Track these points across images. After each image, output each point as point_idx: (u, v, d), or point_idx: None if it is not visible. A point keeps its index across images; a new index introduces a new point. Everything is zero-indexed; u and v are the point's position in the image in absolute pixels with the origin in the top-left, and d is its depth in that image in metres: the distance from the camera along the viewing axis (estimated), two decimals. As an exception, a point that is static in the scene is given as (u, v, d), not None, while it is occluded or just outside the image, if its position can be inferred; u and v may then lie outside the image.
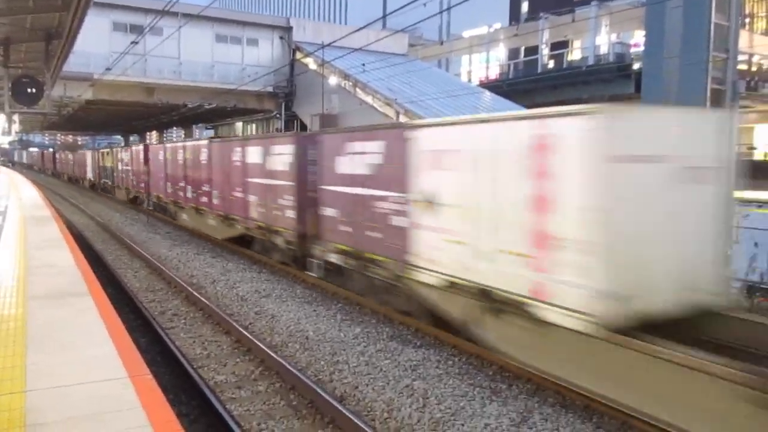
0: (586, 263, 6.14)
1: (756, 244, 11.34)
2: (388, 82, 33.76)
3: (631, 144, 6.19)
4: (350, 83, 35.77)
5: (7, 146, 79.96)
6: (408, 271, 9.10)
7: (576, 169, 6.27)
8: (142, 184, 26.28)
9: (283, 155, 13.44)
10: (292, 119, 41.23)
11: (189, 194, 19.96)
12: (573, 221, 6.30)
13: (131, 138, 76.87)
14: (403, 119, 29.97)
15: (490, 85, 40.96)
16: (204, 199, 18.48)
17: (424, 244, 8.73)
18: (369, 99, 34.19)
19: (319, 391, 6.94)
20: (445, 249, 8.24)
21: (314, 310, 10.94)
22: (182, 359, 8.08)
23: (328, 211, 11.57)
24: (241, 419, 6.54)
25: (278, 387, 7.52)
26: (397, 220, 9.43)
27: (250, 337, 8.98)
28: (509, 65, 46.82)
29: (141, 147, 27.46)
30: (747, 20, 36.39)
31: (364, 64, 31.51)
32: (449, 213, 8.20)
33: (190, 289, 12.13)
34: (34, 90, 14.14)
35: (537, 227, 6.73)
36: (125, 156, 29.74)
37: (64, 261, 9.76)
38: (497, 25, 50.97)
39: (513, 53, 48.17)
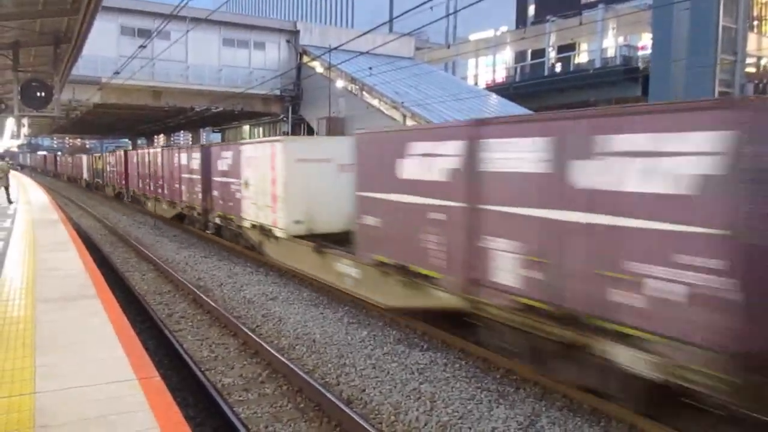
0: (284, 207, 13.42)
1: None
2: (395, 85, 33.80)
3: (301, 153, 13.54)
4: (357, 86, 35.83)
5: (16, 150, 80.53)
6: (241, 221, 16.14)
7: (281, 165, 13.52)
8: (123, 182, 32.51)
9: (195, 159, 19.79)
10: (299, 122, 41.34)
11: (151, 187, 26.36)
12: (281, 188, 13.53)
13: (139, 141, 77.18)
14: (410, 122, 30.00)
15: (496, 89, 40.94)
16: (159, 190, 24.87)
17: (245, 206, 15.72)
18: (375, 102, 34.25)
19: (327, 393, 6.93)
20: (251, 208, 15.34)
21: (321, 313, 10.94)
22: (190, 362, 8.10)
23: (215, 193, 18.21)
24: (249, 422, 6.54)
25: (285, 390, 7.52)
26: (238, 195, 16.20)
27: (257, 339, 8.99)
28: (516, 68, 46.79)
29: (122, 152, 33.65)
30: (755, 23, 36.21)
31: (371, 68, 31.58)
32: (251, 189, 15.23)
33: (197, 291, 12.17)
34: (43, 94, 14.21)
35: (272, 192, 13.93)
36: (112, 160, 36.50)
37: (73, 263, 9.81)
38: (504, 29, 50.95)
39: (520, 56, 48.14)
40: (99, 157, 42.69)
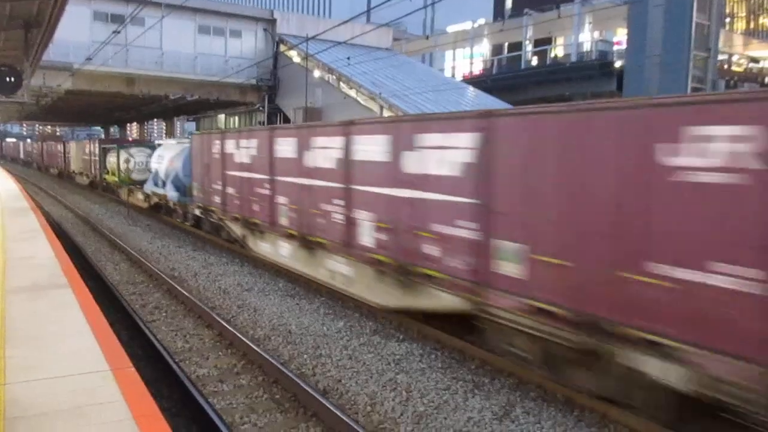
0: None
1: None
2: (372, 76, 33.70)
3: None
4: (334, 77, 35.65)
5: None
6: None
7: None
8: (62, 164, 43.59)
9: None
10: (276, 112, 41.02)
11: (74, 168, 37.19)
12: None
13: (111, 129, 75.93)
14: (387, 113, 29.95)
15: (474, 81, 41.04)
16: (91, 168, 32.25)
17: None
18: (353, 93, 34.12)
19: (302, 384, 6.92)
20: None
21: (297, 304, 10.91)
22: (164, 353, 8.02)
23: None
24: (224, 413, 6.50)
25: (261, 380, 7.49)
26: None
27: (232, 330, 8.93)
28: (493, 61, 46.95)
29: (62, 143, 45.46)
30: (727, 20, 36.79)
31: (349, 58, 31.42)
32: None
33: (171, 282, 12.04)
34: (12, 79, 13.91)
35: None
36: (59, 147, 46.70)
37: (44, 253, 9.64)
38: (481, 21, 51.05)
39: (497, 49, 48.30)
40: (52, 145, 47.72)
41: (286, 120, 39.00)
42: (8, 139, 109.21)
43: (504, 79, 40.68)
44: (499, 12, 55.54)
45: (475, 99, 34.86)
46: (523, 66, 41.95)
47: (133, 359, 5.76)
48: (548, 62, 40.99)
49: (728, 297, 4.98)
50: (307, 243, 11.43)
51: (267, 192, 13.07)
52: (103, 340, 5.34)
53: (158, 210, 21.82)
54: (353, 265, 10.17)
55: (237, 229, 14.96)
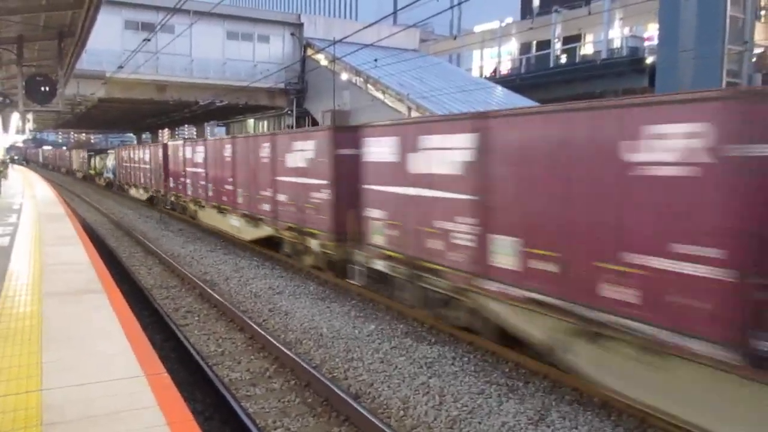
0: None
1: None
2: (399, 77, 33.61)
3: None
4: (361, 79, 35.66)
5: (21, 144, 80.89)
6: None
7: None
8: (68, 165, 68.22)
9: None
10: (304, 115, 41.20)
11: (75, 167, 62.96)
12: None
13: (143, 136, 77.18)
14: (415, 114, 29.85)
15: (502, 80, 40.69)
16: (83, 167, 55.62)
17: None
18: (380, 95, 34.09)
19: (334, 388, 6.89)
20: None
21: (328, 307, 10.90)
22: (197, 356, 8.07)
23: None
24: (257, 417, 6.51)
25: (293, 384, 7.48)
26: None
27: (264, 334, 8.95)
28: (521, 60, 46.50)
29: (68, 151, 68.77)
30: (762, 12, 35.88)
31: (376, 60, 31.39)
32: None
33: (203, 285, 12.14)
34: (47, 88, 14.14)
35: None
36: (66, 153, 74.01)
37: (79, 258, 9.79)
38: (509, 20, 50.61)
39: (525, 48, 47.82)
40: (64, 151, 71.13)
41: (315, 123, 39.13)
42: (45, 147, 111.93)
43: (533, 78, 40.22)
44: (526, 10, 54.94)
45: (504, 98, 34.55)
46: (552, 64, 41.44)
47: (167, 363, 5.80)
48: (577, 60, 40.43)
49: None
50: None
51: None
52: (136, 345, 5.37)
53: (110, 187, 41.81)
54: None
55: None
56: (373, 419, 6.09)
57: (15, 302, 6.99)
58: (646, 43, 36.15)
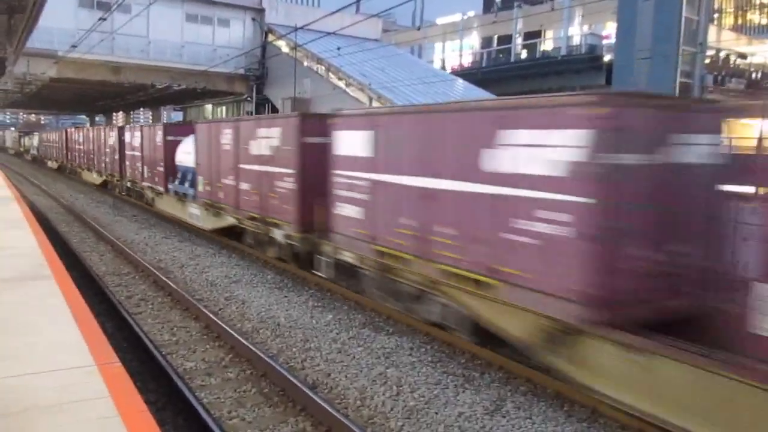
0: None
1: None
2: (361, 67, 33.46)
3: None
4: (323, 67, 35.39)
5: None
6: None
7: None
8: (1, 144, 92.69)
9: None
10: (264, 102, 40.68)
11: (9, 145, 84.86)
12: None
13: (97, 118, 75.08)
14: (376, 104, 29.78)
15: (463, 73, 40.91)
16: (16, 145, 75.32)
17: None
18: (342, 84, 33.89)
19: (291, 378, 6.84)
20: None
21: (285, 296, 10.81)
22: (150, 345, 7.90)
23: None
24: (212, 407, 6.41)
25: (249, 374, 7.40)
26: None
27: (219, 323, 8.82)
28: (482, 54, 46.82)
29: (2, 131, 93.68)
30: (716, 15, 36.94)
31: (339, 48, 31.18)
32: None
33: (157, 273, 11.89)
34: (-5, 65, 13.62)
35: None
36: (1, 133, 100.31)
37: (26, 243, 9.45)
38: (471, 13, 50.87)
39: (487, 42, 48.16)
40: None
41: (275, 110, 38.69)
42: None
43: (493, 72, 40.56)
44: (488, 4, 55.28)
45: (465, 91, 34.76)
46: (512, 59, 41.86)
47: (120, 352, 5.65)
48: (537, 55, 40.93)
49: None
50: None
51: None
52: (88, 334, 5.21)
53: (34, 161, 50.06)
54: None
55: None
56: (329, 409, 6.07)
57: (-42, 288, 6.71)
58: (605, 41, 36.80)
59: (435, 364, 7.75)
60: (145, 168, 21.28)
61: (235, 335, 8.26)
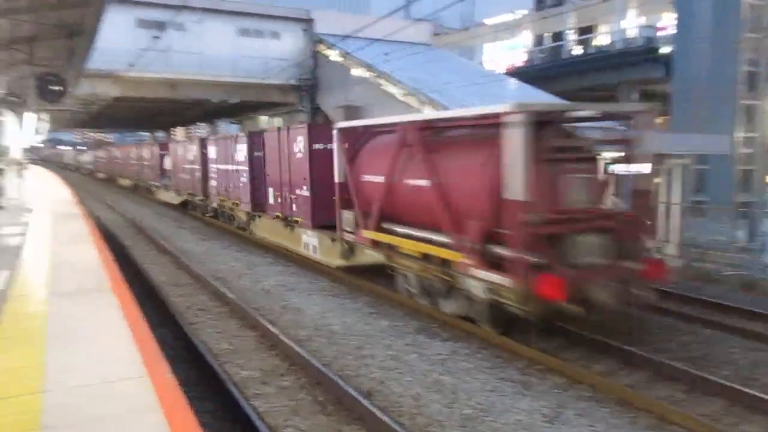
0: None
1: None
2: (411, 71, 33.36)
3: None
4: (373, 74, 35.47)
5: (41, 145, 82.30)
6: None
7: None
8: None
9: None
10: (316, 111, 41.12)
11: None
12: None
13: (157, 134, 77.59)
14: (427, 109, 29.64)
15: (515, 72, 40.29)
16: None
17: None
18: (392, 89, 33.87)
19: (346, 386, 6.78)
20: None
21: (340, 304, 10.80)
22: (207, 354, 7.99)
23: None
24: (267, 415, 6.41)
25: (304, 382, 7.38)
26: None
27: (275, 331, 8.86)
28: (535, 51, 46.02)
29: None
30: (781, -2, 35.12)
31: (387, 54, 31.20)
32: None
33: (215, 284, 12.08)
34: (58, 87, 14.19)
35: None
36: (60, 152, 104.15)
37: (89, 257, 9.75)
38: (522, 11, 50.10)
39: (539, 39, 47.33)
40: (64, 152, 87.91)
41: (326, 119, 39.03)
42: (60, 147, 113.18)
43: (546, 69, 39.79)
44: (540, 1, 54.34)
45: (518, 90, 34.20)
46: (565, 55, 40.96)
47: (179, 361, 5.73)
48: (592, 50, 39.92)
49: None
50: None
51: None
52: (142, 345, 5.29)
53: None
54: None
55: None
56: (385, 418, 5.97)
57: (23, 302, 6.95)
58: (661, 33, 35.57)
59: (492, 370, 7.55)
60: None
61: (290, 343, 8.27)
